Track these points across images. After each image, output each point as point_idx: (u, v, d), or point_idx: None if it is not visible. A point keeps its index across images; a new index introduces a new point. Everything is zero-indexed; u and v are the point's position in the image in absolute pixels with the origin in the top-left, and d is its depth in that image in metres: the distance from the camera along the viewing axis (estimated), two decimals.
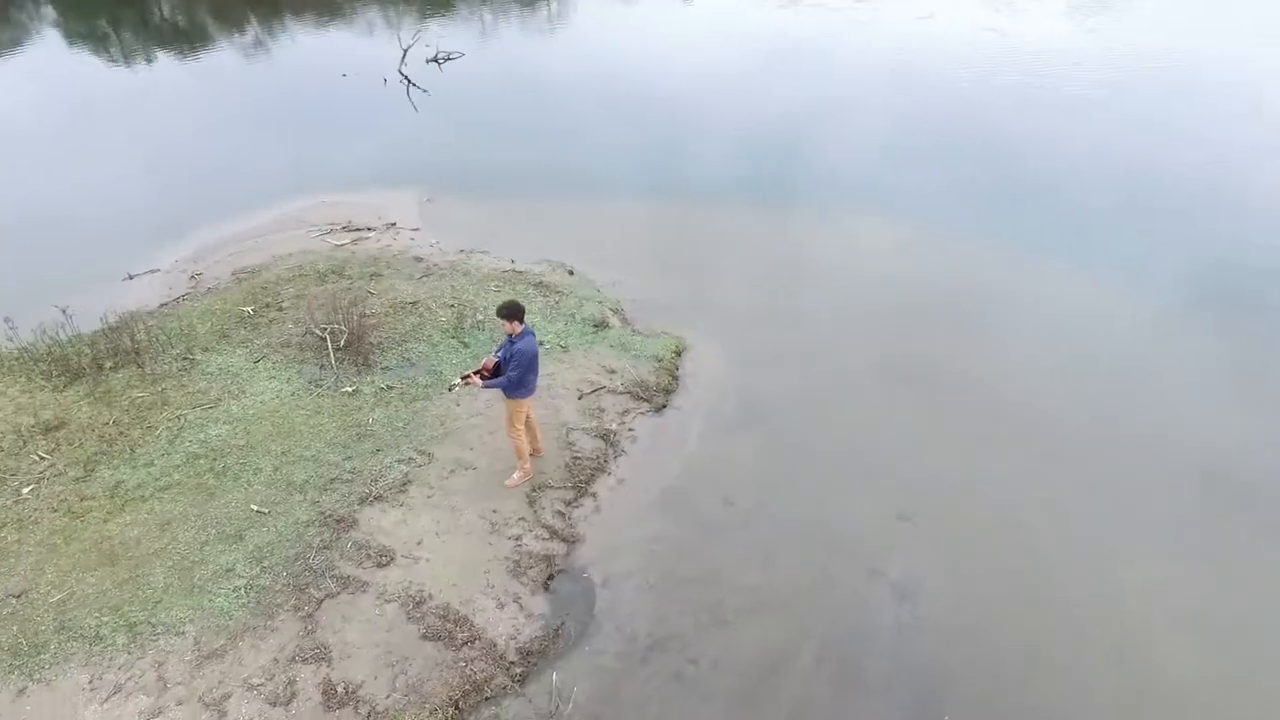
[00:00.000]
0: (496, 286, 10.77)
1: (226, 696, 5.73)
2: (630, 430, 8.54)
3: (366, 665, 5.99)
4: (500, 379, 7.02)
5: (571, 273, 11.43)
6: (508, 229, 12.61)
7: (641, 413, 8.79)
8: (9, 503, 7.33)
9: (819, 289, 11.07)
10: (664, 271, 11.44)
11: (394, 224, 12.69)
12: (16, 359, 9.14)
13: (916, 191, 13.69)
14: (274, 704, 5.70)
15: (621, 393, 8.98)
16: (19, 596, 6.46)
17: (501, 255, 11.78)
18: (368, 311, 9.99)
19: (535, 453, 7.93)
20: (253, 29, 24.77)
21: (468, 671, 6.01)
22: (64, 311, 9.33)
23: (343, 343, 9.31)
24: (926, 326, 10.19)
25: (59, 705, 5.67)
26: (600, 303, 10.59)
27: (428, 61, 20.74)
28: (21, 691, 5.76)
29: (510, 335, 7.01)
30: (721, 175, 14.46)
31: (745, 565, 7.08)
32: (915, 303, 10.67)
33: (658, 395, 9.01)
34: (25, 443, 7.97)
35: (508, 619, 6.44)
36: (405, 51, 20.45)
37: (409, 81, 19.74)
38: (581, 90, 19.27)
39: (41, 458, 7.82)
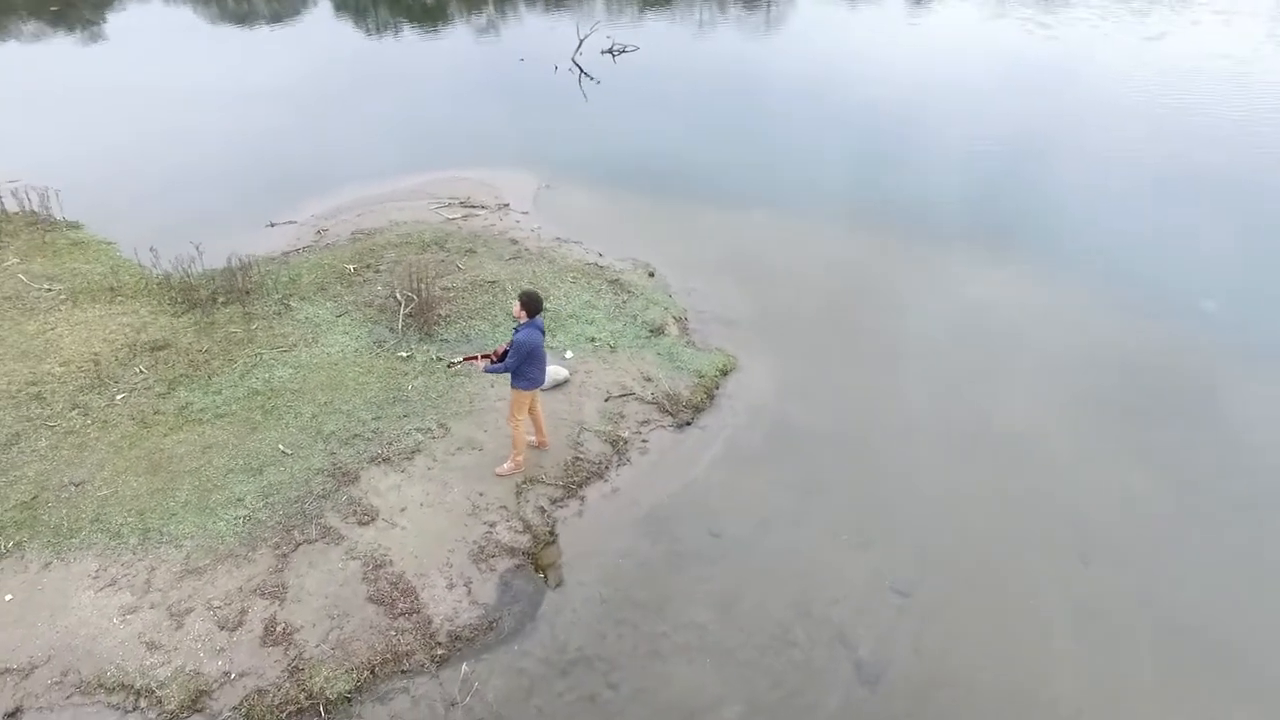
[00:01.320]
0: (574, 278, 10.95)
1: (189, 611, 6.38)
2: (644, 441, 8.40)
3: (310, 612, 6.41)
4: (499, 364, 7.16)
5: (652, 274, 11.38)
6: (610, 222, 12.77)
7: (662, 426, 8.61)
8: (104, 404, 8.55)
9: (905, 336, 10.18)
10: (745, 288, 11.09)
11: (507, 205, 13.25)
12: (157, 284, 10.59)
13: (1085, 248, 11.97)
14: (222, 627, 6.26)
15: (649, 402, 8.85)
16: (78, 485, 7.54)
17: (592, 248, 11.94)
18: (449, 285, 10.54)
19: (540, 445, 8.03)
20: (488, 11, 26.67)
21: (394, 641, 6.24)
22: (197, 248, 10.65)
23: (412, 310, 9.87)
24: (1014, 404, 9.01)
25: (66, 585, 6.58)
26: (665, 309, 10.46)
27: (602, 53, 21.30)
28: (47, 565, 6.75)
29: (517, 322, 7.13)
30: (868, 197, 13.65)
31: (704, 602, 6.76)
32: (1011, 373, 9.51)
33: (685, 411, 8.77)
34: (134, 356, 9.24)
35: (451, 600, 6.61)
36: (581, 41, 21.13)
37: (581, 70, 20.40)
38: (751, 93, 18.98)
39: (141, 372, 9.02)
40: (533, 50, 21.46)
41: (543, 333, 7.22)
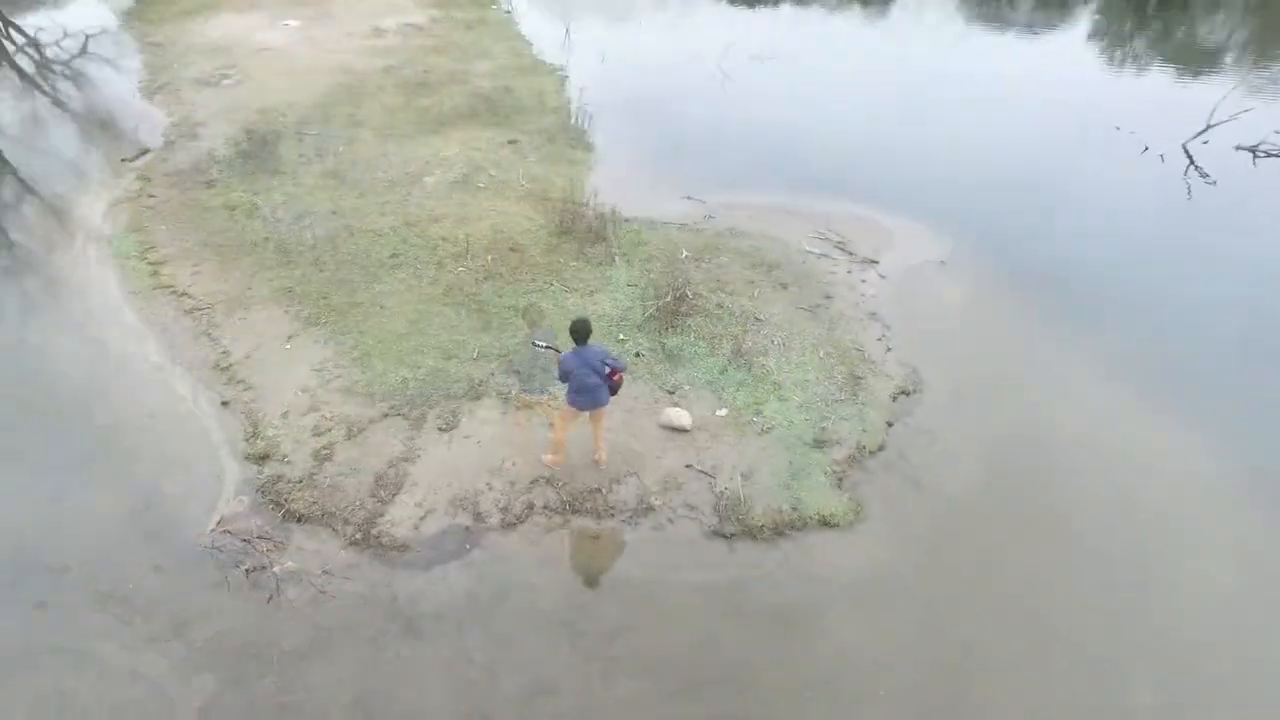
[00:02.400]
0: (826, 353, 10.17)
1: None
2: (669, 521, 8.01)
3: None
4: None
5: (906, 393, 9.73)
6: (960, 338, 10.89)
7: (697, 521, 8.01)
8: (440, 269, 11.83)
9: None
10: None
11: (875, 262, 12.42)
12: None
13: None
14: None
15: (714, 494, 8.23)
16: (383, 307, 10.95)
17: (898, 344, 10.54)
18: (720, 303, 10.93)
19: (597, 461, 8.42)
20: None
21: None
22: (593, 194, 13.15)
23: (661, 307, 10.66)
24: None
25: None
26: (864, 430, 9.04)
27: (1239, 148, 16.44)
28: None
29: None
30: None
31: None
32: None
33: (730, 524, 7.95)
34: (493, 245, 12.30)
35: (409, 519, 7.90)
36: (1210, 126, 16.64)
37: (1190, 161, 16.26)
38: None
39: (484, 260, 12.06)
40: (1135, 116, 17.57)
41: (595, 364, 7.47)
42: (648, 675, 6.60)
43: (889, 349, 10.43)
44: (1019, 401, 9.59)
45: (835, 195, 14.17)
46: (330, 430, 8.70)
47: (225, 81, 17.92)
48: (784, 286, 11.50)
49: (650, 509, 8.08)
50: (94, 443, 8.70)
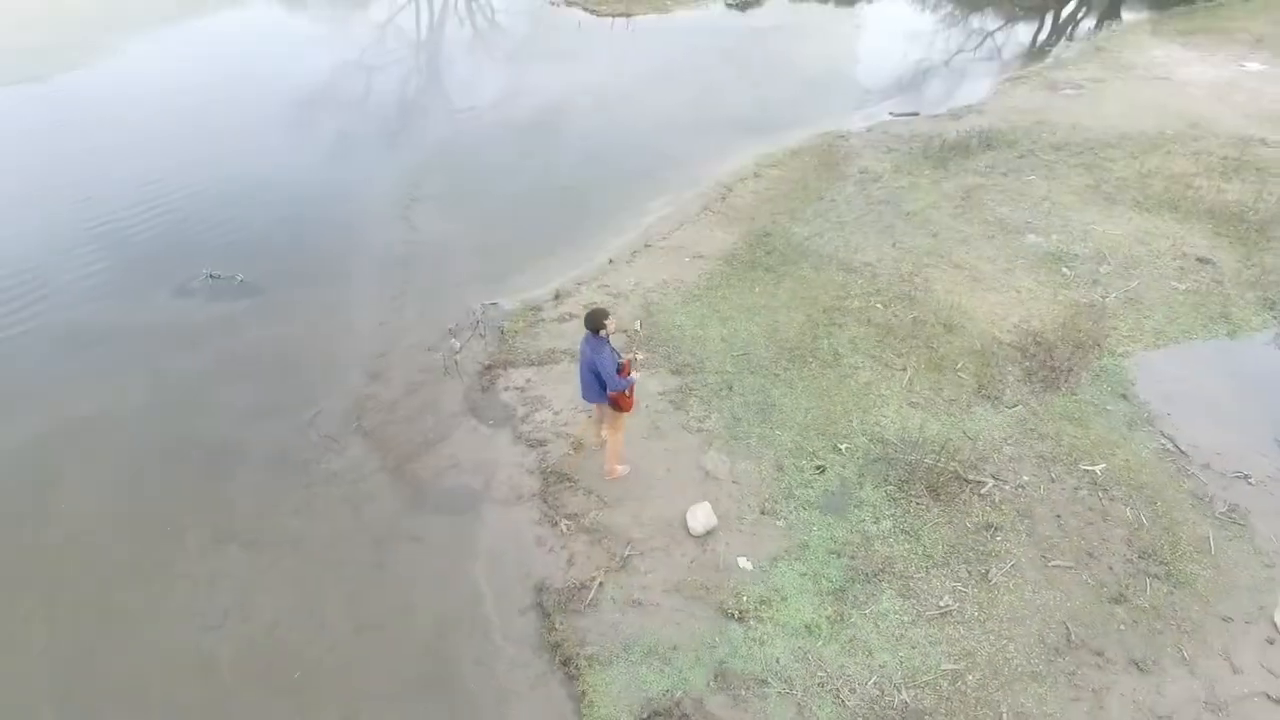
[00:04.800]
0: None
1: None
2: (601, 585, 7.32)
3: None
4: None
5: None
6: None
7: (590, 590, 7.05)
8: None
9: None
10: None
11: None
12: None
13: None
14: None
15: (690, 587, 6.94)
16: None
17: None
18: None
19: (597, 443, 7.92)
20: None
21: None
22: None
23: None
24: None
25: None
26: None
27: None
28: None
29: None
30: None
31: None
32: None
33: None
34: None
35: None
36: None
37: None
38: None
39: None
40: None
41: (607, 353, 6.82)
42: None
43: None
44: None
45: None
46: None
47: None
48: None
49: (618, 558, 7.34)
50: None
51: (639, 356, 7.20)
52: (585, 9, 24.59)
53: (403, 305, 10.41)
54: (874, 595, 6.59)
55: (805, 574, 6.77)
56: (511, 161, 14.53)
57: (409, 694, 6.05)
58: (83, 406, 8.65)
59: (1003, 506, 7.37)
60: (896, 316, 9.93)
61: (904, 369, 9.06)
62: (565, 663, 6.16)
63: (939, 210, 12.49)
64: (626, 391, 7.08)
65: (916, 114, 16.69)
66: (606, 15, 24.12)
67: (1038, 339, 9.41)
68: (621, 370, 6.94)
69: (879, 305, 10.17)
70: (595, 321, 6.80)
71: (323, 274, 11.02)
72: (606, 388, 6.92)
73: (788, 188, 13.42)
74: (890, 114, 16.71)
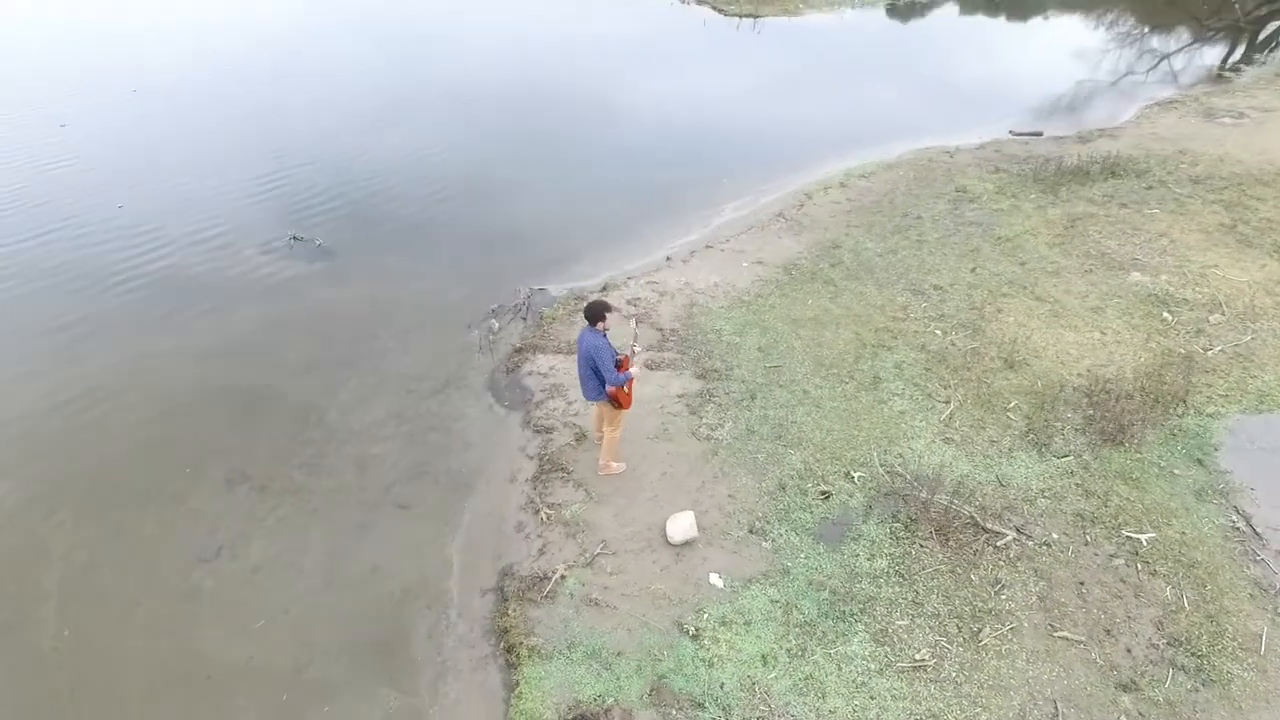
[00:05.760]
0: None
1: None
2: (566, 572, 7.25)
3: None
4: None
5: None
6: None
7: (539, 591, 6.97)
8: None
9: None
10: None
11: None
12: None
13: None
14: None
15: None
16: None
17: None
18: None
19: (598, 438, 7.74)
20: None
21: None
22: None
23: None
24: None
25: None
26: None
27: None
28: None
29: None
30: None
31: None
32: None
33: None
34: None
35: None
36: None
37: None
38: None
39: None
40: None
41: (605, 346, 6.65)
42: None
43: None
44: None
45: None
46: None
47: None
48: None
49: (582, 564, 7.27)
50: None
51: (636, 350, 7.01)
52: (713, 7, 24.42)
53: (459, 281, 10.70)
54: (845, 635, 6.11)
55: (777, 601, 6.38)
56: (603, 152, 14.64)
57: (358, 653, 6.18)
58: (155, 344, 9.43)
59: (1018, 563, 6.65)
60: (954, 345, 9.21)
61: (947, 401, 8.37)
62: (508, 650, 6.10)
63: (1035, 237, 11.47)
64: (625, 388, 6.93)
65: (1039, 134, 15.43)
66: (734, 15, 23.83)
67: (1110, 386, 8.43)
68: (620, 365, 6.79)
69: (937, 331, 9.46)
70: (594, 312, 6.68)
71: (395, 245, 11.52)
72: (605, 384, 6.78)
73: (872, 200, 12.75)
74: (1010, 133, 15.52)
